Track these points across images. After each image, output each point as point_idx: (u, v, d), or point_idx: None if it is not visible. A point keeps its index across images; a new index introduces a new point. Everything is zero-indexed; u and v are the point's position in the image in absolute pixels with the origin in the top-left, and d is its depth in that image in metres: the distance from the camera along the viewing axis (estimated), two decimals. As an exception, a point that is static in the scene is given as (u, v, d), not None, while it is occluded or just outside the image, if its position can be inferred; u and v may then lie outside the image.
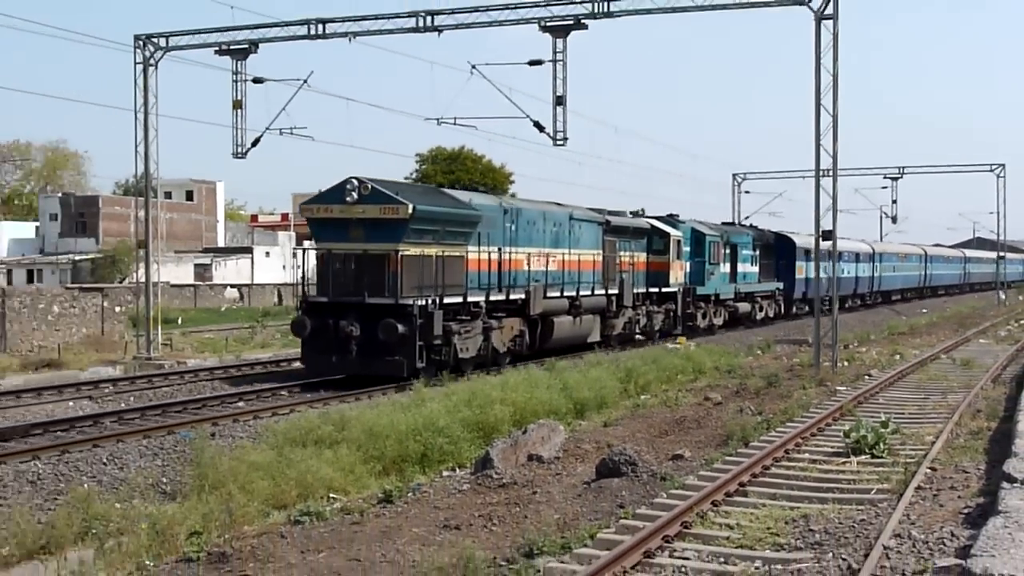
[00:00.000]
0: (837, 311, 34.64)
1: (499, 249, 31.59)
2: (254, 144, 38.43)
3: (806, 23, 31.41)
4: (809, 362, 33.38)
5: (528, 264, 33.37)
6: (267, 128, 38.18)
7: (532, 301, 32.40)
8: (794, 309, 62.44)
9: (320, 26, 36.09)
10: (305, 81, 37.58)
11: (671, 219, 48.03)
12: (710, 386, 29.80)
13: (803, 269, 61.43)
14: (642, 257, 42.84)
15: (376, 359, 26.69)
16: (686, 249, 47.03)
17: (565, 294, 35.12)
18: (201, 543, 13.44)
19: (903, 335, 48.91)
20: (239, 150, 38.18)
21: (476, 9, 34.98)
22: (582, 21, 33.95)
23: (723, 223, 55.54)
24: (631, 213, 45.81)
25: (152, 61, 37.78)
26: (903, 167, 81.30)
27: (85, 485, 15.83)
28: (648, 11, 33.67)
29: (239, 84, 38.28)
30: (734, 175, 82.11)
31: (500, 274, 31.57)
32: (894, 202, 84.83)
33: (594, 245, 38.57)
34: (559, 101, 35.03)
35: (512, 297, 31.94)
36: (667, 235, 44.51)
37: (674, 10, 33.52)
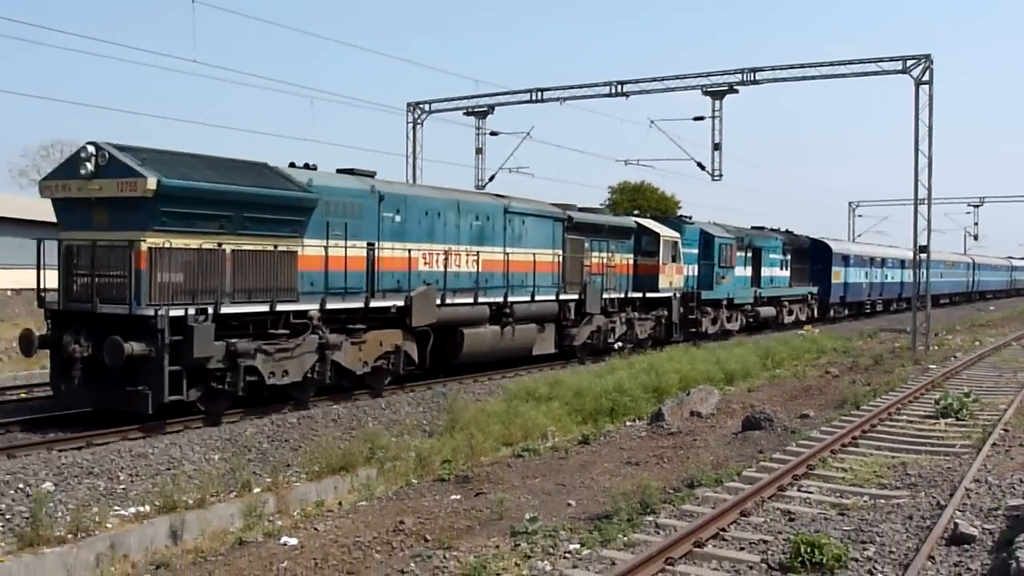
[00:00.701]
0: (929, 306, 33.20)
1: (369, 245, 18.51)
2: (490, 180, 39.00)
3: (908, 83, 30.31)
4: (907, 346, 32.16)
5: (414, 263, 19.64)
6: (500, 168, 38.76)
7: (414, 309, 19.01)
8: (831, 313, 48.16)
9: (540, 93, 36.45)
10: (528, 134, 37.90)
11: (678, 220, 34.60)
12: (830, 363, 29.00)
13: (840, 274, 48.26)
14: (627, 259, 28.52)
15: (113, 388, 14.46)
16: (690, 251, 33.02)
17: (485, 300, 21.64)
18: (451, 468, 13.77)
19: (982, 326, 46.35)
20: (480, 184, 38.78)
21: (654, 79, 34.89)
22: (734, 87, 33.68)
23: (753, 227, 41.76)
24: (639, 215, 33.18)
25: (419, 121, 38.76)
26: (983, 197, 77.02)
27: (370, 424, 16.28)
28: (784, 79, 33.18)
29: (480, 136, 39.06)
30: (850, 203, 79.49)
31: (371, 275, 18.56)
32: (976, 224, 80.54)
33: (546, 244, 24.39)
34: (716, 147, 34.67)
35: (379, 304, 18.55)
36: (656, 235, 29.87)
37: (804, 78, 32.98)
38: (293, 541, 10.08)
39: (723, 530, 9.61)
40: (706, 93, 34.22)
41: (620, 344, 27.75)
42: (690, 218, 35.56)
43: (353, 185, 18.67)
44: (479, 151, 39.20)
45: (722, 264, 34.78)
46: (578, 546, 9.36)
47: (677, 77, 34.56)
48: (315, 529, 10.63)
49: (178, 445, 13.60)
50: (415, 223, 19.87)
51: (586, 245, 26.18)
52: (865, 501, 10.91)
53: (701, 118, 34.58)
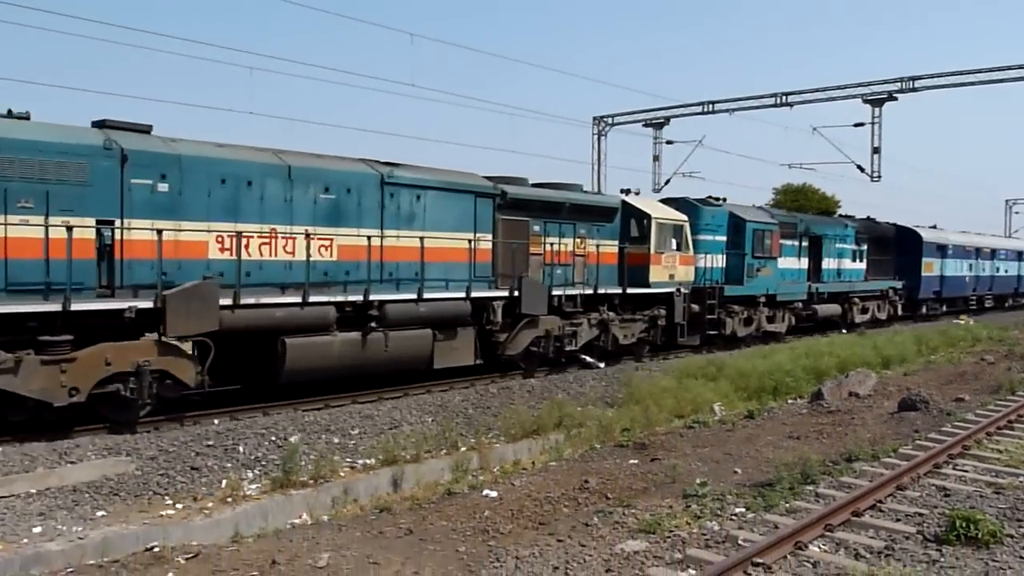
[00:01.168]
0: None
1: (103, 223, 11.88)
2: (666, 183, 38.59)
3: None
4: (1065, 336, 29.66)
5: (196, 250, 12.88)
6: (674, 173, 38.30)
7: (170, 312, 11.95)
8: (924, 310, 37.84)
9: (711, 105, 35.76)
10: (699, 142, 37.27)
11: (700, 201, 25.04)
12: (985, 350, 26.95)
13: (932, 266, 37.67)
14: (606, 247, 20.32)
15: None
16: (715, 238, 24.72)
17: (329, 298, 14.20)
18: (629, 436, 13.65)
19: None
20: (656, 188, 38.40)
21: (816, 90, 33.61)
22: (893, 95, 31.92)
23: (818, 213, 33.33)
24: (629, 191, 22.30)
25: (603, 132, 38.69)
26: None
27: (559, 395, 16.35)
28: (943, 86, 31.16)
29: (657, 144, 38.67)
30: (1006, 200, 73.95)
31: (108, 265, 12.05)
32: None
33: (464, 225, 16.90)
34: (875, 150, 33.11)
35: (94, 307, 11.56)
36: (647, 217, 21.23)
37: (963, 84, 30.84)
38: (493, 494, 10.24)
39: (880, 502, 9.12)
40: (866, 101, 32.68)
41: (589, 359, 19.82)
42: (719, 199, 26.21)
43: (60, 139, 11.65)
44: (656, 158, 38.89)
45: (757, 254, 25.99)
46: (743, 510, 9.09)
47: (838, 87, 33.18)
48: (512, 484, 10.76)
49: (399, 409, 14.08)
50: (201, 194, 12.96)
51: (535, 228, 18.62)
52: (1021, 482, 10.09)
53: (861, 124, 33.07)
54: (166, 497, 9.70)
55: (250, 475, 10.62)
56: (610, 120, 38.66)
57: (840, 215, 36.00)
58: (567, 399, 15.98)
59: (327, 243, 14.57)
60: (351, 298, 14.65)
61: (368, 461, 11.68)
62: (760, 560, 7.18)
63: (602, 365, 19.72)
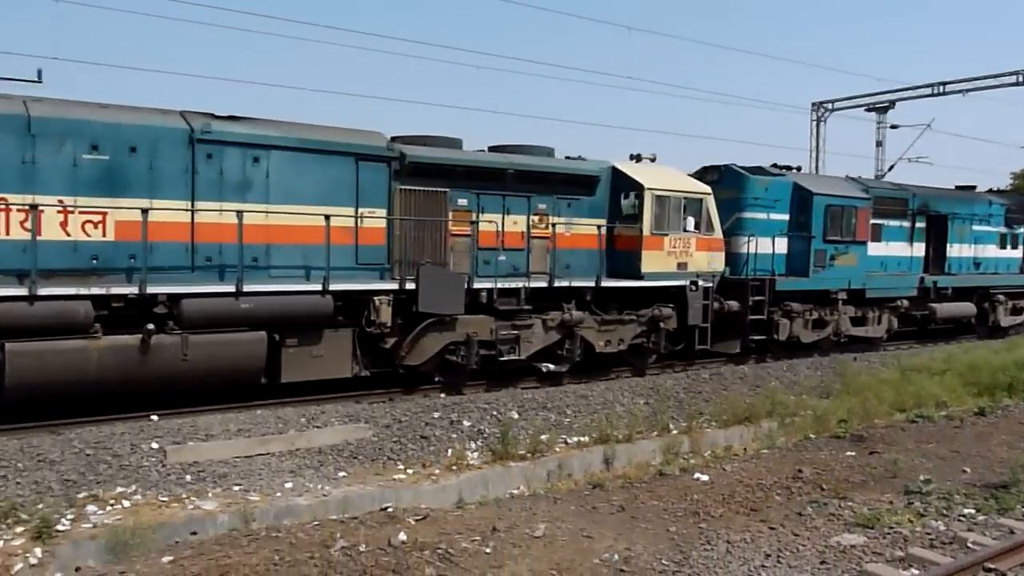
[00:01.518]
0: None
1: None
2: (890, 169, 36.11)
3: None
4: None
5: None
6: (899, 158, 35.68)
7: None
8: None
9: (941, 87, 33.03)
10: (928, 126, 34.54)
11: (755, 170, 18.63)
12: None
13: None
14: (581, 227, 15.17)
15: None
16: (773, 217, 18.42)
17: (75, 291, 10.05)
18: (846, 427, 12.99)
19: None
20: (878, 174, 36.08)
21: (1064, 67, 30.10)
22: None
23: (958, 187, 25.20)
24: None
25: (823, 118, 36.84)
26: None
27: (772, 383, 15.75)
28: None
29: (881, 129, 36.38)
30: None
31: None
32: None
33: (329, 197, 12.19)
34: None
35: None
36: (639, 188, 15.49)
37: None
38: (704, 477, 10.02)
39: None
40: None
41: (550, 367, 14.83)
42: (784, 168, 19.58)
43: None
44: (879, 144, 36.55)
45: (832, 236, 19.08)
46: (973, 511, 8.35)
47: (1090, 62, 29.54)
48: (723, 469, 10.48)
49: (612, 390, 14.06)
50: None
51: (461, 202, 13.85)
52: None
53: (1116, 102, 29.30)
54: (398, 462, 10.20)
55: (473, 446, 10.95)
56: (830, 106, 36.68)
57: (988, 189, 26.66)
58: (780, 387, 15.35)
59: (97, 219, 10.61)
60: (117, 290, 10.48)
61: (582, 439, 11.72)
62: (992, 566, 6.57)
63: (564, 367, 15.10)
